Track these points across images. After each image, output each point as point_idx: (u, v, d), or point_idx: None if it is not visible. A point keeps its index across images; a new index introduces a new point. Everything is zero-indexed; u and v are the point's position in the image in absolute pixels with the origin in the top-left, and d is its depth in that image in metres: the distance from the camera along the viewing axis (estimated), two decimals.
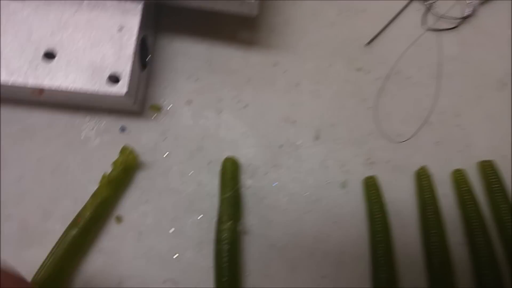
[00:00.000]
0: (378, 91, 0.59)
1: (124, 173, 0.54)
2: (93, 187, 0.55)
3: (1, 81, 0.50)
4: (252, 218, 0.54)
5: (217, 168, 0.57)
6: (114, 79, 0.51)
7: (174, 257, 0.54)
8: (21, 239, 0.54)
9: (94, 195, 0.52)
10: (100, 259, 0.53)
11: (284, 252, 0.53)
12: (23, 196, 0.55)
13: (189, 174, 0.56)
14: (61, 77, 0.51)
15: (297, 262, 0.52)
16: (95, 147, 0.58)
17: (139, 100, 0.57)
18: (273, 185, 0.57)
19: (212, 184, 0.56)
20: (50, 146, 0.57)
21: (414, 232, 0.54)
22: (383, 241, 0.50)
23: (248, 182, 0.55)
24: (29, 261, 0.52)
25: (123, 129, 0.57)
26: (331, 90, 0.60)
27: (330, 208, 0.54)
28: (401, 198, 0.55)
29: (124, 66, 0.51)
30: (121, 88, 0.51)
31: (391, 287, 0.49)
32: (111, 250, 0.54)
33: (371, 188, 0.53)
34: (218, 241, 0.51)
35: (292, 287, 0.52)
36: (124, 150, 0.54)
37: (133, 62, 0.52)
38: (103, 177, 0.52)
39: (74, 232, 0.52)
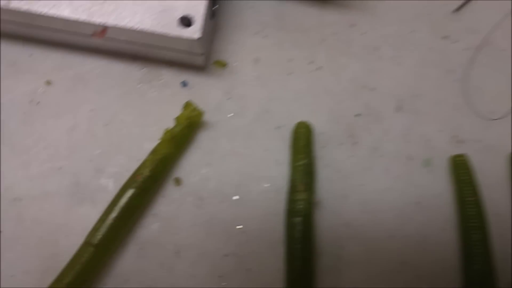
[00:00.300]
0: (467, 63, 0.52)
1: (188, 130, 0.49)
2: (149, 144, 0.49)
3: (65, 17, 0.43)
4: (324, 192, 0.48)
5: (286, 134, 0.51)
6: (186, 22, 0.44)
7: (238, 228, 0.48)
8: (73, 195, 0.49)
9: (154, 151, 0.47)
10: (155, 224, 0.48)
11: (360, 232, 0.48)
12: (75, 149, 0.50)
13: (255, 138, 0.51)
14: (127, 16, 0.46)
15: (374, 245, 0.47)
16: (153, 101, 0.52)
17: (205, 53, 0.50)
18: (348, 157, 0.50)
19: (280, 151, 0.50)
20: (104, 97, 0.52)
21: (508, 222, 0.47)
22: (477, 228, 0.44)
23: (320, 152, 0.48)
24: (81, 218, 0.48)
25: (184, 84, 0.51)
26: (413, 58, 0.54)
27: (412, 187, 0.48)
28: (492, 183, 0.49)
29: (198, 8, 0.45)
30: (194, 32, 0.45)
31: (486, 282, 0.41)
32: (168, 216, 0.48)
33: (461, 167, 0.46)
34: (291, 212, 0.45)
35: (372, 272, 0.47)
36: (188, 106, 0.48)
37: (208, 6, 0.45)
38: (166, 131, 0.47)
39: (131, 191, 0.46)
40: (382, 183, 0.50)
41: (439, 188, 0.50)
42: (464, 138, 0.50)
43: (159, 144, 0.48)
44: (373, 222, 0.48)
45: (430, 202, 0.49)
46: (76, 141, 0.51)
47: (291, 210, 0.46)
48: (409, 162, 0.50)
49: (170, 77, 0.53)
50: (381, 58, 0.54)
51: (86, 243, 0.45)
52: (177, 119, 0.49)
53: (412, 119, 0.52)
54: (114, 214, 0.45)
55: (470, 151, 0.50)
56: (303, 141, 0.48)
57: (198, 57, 0.49)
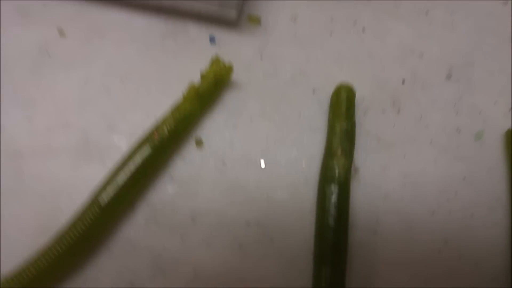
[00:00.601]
0: None
1: (214, 88, 0.50)
2: (169, 102, 0.51)
3: None
4: (363, 161, 0.50)
5: (323, 98, 0.53)
6: None
7: (262, 195, 0.49)
8: (80, 152, 0.51)
9: (176, 108, 0.49)
10: (171, 188, 0.50)
11: (399, 206, 0.49)
12: (87, 103, 0.52)
13: (288, 102, 0.52)
14: None
15: (414, 221, 0.48)
16: (177, 57, 0.54)
17: (238, 6, 0.52)
18: (391, 125, 0.52)
19: (315, 116, 0.52)
20: (122, 49, 0.54)
21: None
22: None
23: (360, 118, 0.51)
24: (87, 178, 0.49)
25: (213, 40, 0.54)
26: (468, 22, 0.56)
27: (460, 161, 0.50)
28: None
29: None
30: None
31: None
32: (186, 179, 0.50)
33: None
34: (326, 178, 0.47)
35: (409, 250, 0.48)
36: (216, 61, 0.50)
37: None
38: (190, 88, 0.49)
39: (147, 149, 0.48)
40: (427, 155, 0.51)
41: (490, 164, 0.51)
42: None
43: (182, 101, 0.49)
44: (414, 196, 0.49)
45: (478, 178, 0.50)
46: (88, 96, 0.53)
47: (327, 176, 0.47)
48: (457, 134, 0.52)
49: (197, 32, 0.55)
50: (432, 22, 0.56)
51: (93, 203, 0.46)
52: (204, 75, 0.50)
53: (463, 89, 0.53)
54: (126, 173, 0.46)
55: None
56: (344, 104, 0.50)
57: (230, 10, 0.52)
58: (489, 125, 0.51)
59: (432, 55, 0.53)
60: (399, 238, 0.48)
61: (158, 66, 0.53)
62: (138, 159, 0.47)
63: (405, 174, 0.49)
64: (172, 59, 0.53)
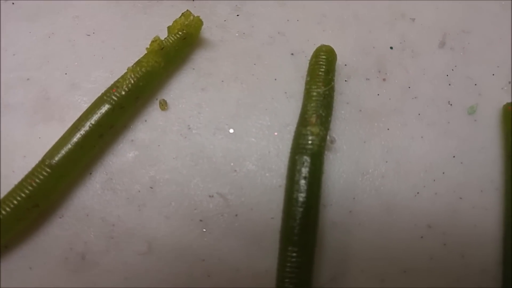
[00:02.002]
0: None
1: (182, 42, 0.40)
2: (136, 59, 0.40)
3: None
4: (341, 132, 0.39)
5: (301, 62, 0.43)
6: None
7: (229, 166, 0.39)
8: (39, 110, 0.41)
9: (138, 62, 0.39)
10: (131, 152, 0.40)
11: (379, 184, 0.39)
12: (49, 58, 0.43)
13: (264, 64, 0.42)
14: None
15: (395, 201, 0.38)
16: (148, 12, 0.44)
17: None
18: (375, 95, 0.42)
19: (292, 81, 0.42)
20: (91, 3, 0.45)
21: None
22: None
23: (341, 85, 0.38)
24: (44, 137, 0.40)
25: None
26: None
27: (450, 136, 0.39)
28: None
29: None
30: None
31: None
32: (147, 144, 0.40)
33: None
34: (298, 148, 0.36)
35: (388, 234, 0.37)
36: (186, 15, 0.40)
37: None
38: (154, 40, 0.38)
39: (104, 107, 0.38)
40: (413, 129, 0.41)
41: (483, 141, 0.40)
42: None
43: (144, 55, 0.40)
44: (397, 174, 0.39)
45: (469, 156, 0.40)
46: (51, 50, 0.43)
47: (298, 146, 0.37)
48: (448, 107, 0.41)
49: None
50: None
51: (42, 162, 0.37)
52: (170, 27, 0.40)
53: (458, 58, 0.43)
54: (80, 132, 0.37)
55: None
56: (323, 67, 0.39)
57: None
58: (485, 99, 0.40)
59: (424, 19, 0.42)
60: (377, 220, 0.38)
61: (128, 21, 0.44)
62: (94, 117, 0.38)
63: (388, 149, 0.38)
64: (142, 15, 0.43)
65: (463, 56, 0.42)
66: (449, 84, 0.41)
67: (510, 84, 0.41)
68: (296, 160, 0.36)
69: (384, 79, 0.41)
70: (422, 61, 0.42)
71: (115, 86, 0.38)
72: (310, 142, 0.35)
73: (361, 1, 0.43)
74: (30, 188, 0.36)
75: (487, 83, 0.41)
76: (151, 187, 0.39)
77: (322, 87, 0.37)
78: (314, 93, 0.37)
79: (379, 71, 0.41)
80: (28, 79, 0.42)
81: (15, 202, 0.35)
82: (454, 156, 0.39)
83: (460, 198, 0.38)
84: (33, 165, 0.37)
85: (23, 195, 0.35)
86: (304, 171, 0.35)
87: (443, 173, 0.39)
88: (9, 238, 0.36)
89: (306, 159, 0.35)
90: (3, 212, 0.35)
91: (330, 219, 0.37)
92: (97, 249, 0.37)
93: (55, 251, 0.37)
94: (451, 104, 0.40)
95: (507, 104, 0.39)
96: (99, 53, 0.43)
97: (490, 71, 0.41)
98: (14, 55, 0.43)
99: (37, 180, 0.36)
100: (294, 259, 0.35)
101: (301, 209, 0.35)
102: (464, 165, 0.39)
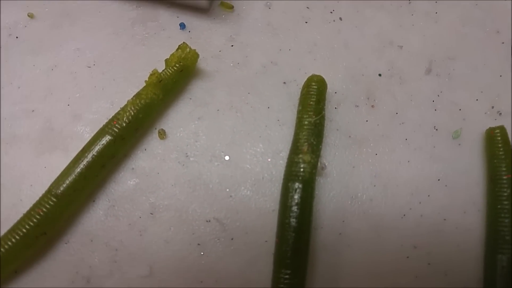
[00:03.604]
0: None
1: (179, 74, 0.44)
2: (136, 90, 0.44)
3: None
4: (331, 159, 0.43)
5: (294, 90, 0.46)
6: None
7: (225, 192, 0.43)
8: (44, 141, 0.45)
9: (137, 95, 0.43)
10: (132, 180, 0.44)
11: (367, 207, 0.43)
12: (52, 90, 0.47)
13: (258, 93, 0.46)
14: None
15: (383, 223, 0.42)
16: (146, 44, 0.48)
17: None
18: (364, 121, 0.46)
19: (284, 109, 0.46)
20: (92, 36, 0.48)
21: None
22: (510, 211, 0.37)
23: (331, 113, 0.43)
24: (49, 167, 0.44)
25: (183, 26, 0.47)
26: (453, 14, 0.48)
27: (436, 160, 0.43)
28: None
29: None
30: None
31: None
32: (147, 171, 0.44)
33: (498, 142, 0.40)
34: (290, 175, 0.41)
35: (376, 255, 0.42)
36: (183, 48, 0.43)
37: None
38: (152, 73, 0.42)
39: (106, 138, 0.42)
40: (400, 154, 0.44)
41: (467, 164, 0.44)
42: (504, 110, 0.45)
43: (144, 87, 0.44)
44: (384, 198, 0.43)
45: (454, 179, 0.44)
46: (54, 82, 0.47)
47: (291, 173, 0.41)
48: (434, 132, 0.45)
49: (167, 19, 0.49)
50: (414, 11, 0.49)
51: (48, 192, 0.41)
52: (168, 60, 0.44)
53: (444, 84, 0.46)
54: (83, 163, 0.42)
55: (510, 126, 0.44)
56: (314, 96, 0.43)
57: None
58: (469, 124, 0.44)
59: (412, 47, 0.46)
60: (366, 241, 0.42)
61: (127, 53, 0.48)
62: (96, 148, 0.42)
63: (376, 174, 0.42)
64: (141, 46, 0.47)
65: (448, 82, 0.46)
66: (435, 110, 0.45)
67: (493, 109, 0.45)
68: (288, 187, 0.40)
69: (372, 106, 0.45)
70: (409, 87, 0.46)
71: (115, 118, 0.42)
72: (302, 169, 0.40)
73: (351, 29, 0.47)
74: (37, 217, 0.40)
75: (471, 108, 0.45)
76: (151, 213, 0.42)
77: (313, 116, 0.41)
78: (306, 122, 0.41)
79: (368, 98, 0.45)
80: (33, 110, 0.46)
81: (24, 230, 0.39)
82: (439, 179, 0.43)
83: (444, 219, 0.42)
84: (39, 193, 0.41)
85: (31, 223, 0.40)
86: (296, 197, 0.39)
87: (428, 195, 0.42)
88: (19, 264, 0.40)
89: (298, 185, 0.40)
90: (13, 240, 0.39)
91: (321, 241, 0.41)
92: (102, 273, 0.41)
93: (62, 275, 0.41)
94: (436, 129, 0.44)
95: (490, 128, 0.43)
96: (100, 84, 0.46)
97: (474, 96, 0.45)
98: (19, 87, 0.47)
99: (44, 209, 0.40)
100: (287, 281, 0.39)
101: (293, 234, 0.39)
102: (448, 188, 0.43)
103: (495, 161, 0.41)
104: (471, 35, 0.46)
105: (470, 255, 0.41)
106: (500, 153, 0.40)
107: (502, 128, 0.41)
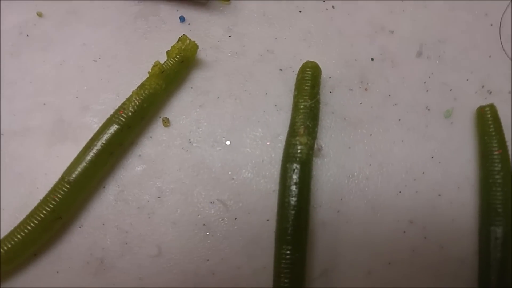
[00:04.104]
0: (507, 6, 0.47)
1: (180, 65, 0.46)
2: (140, 81, 0.47)
3: None
4: (328, 140, 0.45)
5: (289, 77, 0.49)
6: None
7: (227, 174, 0.46)
8: (55, 132, 0.48)
9: (141, 85, 0.45)
10: (139, 166, 0.47)
11: (364, 186, 0.45)
12: (61, 84, 0.49)
13: (255, 81, 0.48)
14: None
15: (379, 200, 0.44)
16: (148, 37, 0.50)
17: None
18: (358, 104, 0.48)
19: (281, 95, 0.48)
20: (97, 32, 0.51)
21: None
22: (502, 185, 0.39)
23: (326, 97, 0.45)
24: (61, 156, 0.47)
25: (182, 19, 0.49)
26: None
27: (428, 140, 0.45)
28: None
29: None
30: None
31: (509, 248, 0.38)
32: (153, 158, 0.47)
33: (488, 119, 0.42)
34: (288, 157, 0.43)
35: (374, 230, 0.44)
36: (183, 39, 0.46)
37: None
38: (155, 64, 0.44)
39: (113, 127, 0.45)
40: (394, 134, 0.47)
41: (459, 142, 0.46)
42: (494, 89, 0.47)
43: (147, 78, 0.46)
44: (380, 176, 0.45)
45: (447, 157, 0.46)
46: (63, 76, 0.50)
47: (289, 155, 0.43)
48: (426, 112, 0.47)
49: (167, 13, 0.51)
50: None
51: (62, 180, 0.44)
52: (169, 52, 0.46)
53: (434, 66, 0.48)
54: (93, 151, 0.44)
55: (500, 104, 0.46)
56: (309, 81, 0.45)
57: None
58: (460, 103, 0.46)
59: (403, 32, 0.48)
60: (363, 218, 0.45)
61: (131, 46, 0.50)
62: (104, 137, 0.45)
63: (371, 153, 0.45)
64: (143, 40, 0.50)
65: (439, 64, 0.48)
66: (427, 91, 0.47)
67: (483, 88, 0.47)
68: (287, 168, 0.43)
69: (366, 89, 0.47)
70: (401, 70, 0.48)
71: (122, 108, 0.45)
72: (299, 151, 0.42)
73: (343, 17, 0.49)
74: (53, 203, 0.43)
75: (462, 88, 0.47)
76: (158, 197, 0.45)
77: (309, 100, 0.44)
78: (302, 106, 0.44)
79: (361, 82, 0.48)
80: (44, 104, 0.49)
81: (42, 215, 0.42)
82: (432, 157, 0.45)
83: (439, 195, 0.44)
84: (53, 181, 0.43)
85: (48, 209, 0.42)
86: (295, 177, 0.42)
87: (423, 173, 0.45)
88: (37, 247, 0.43)
89: (296, 166, 0.42)
90: (32, 224, 0.42)
91: (320, 219, 0.44)
92: (114, 254, 0.44)
93: (77, 256, 0.44)
94: (428, 109, 0.47)
95: (480, 107, 0.45)
96: (106, 77, 0.49)
97: (464, 77, 0.47)
98: (31, 82, 0.49)
99: (59, 195, 0.43)
100: (288, 257, 0.41)
101: (293, 212, 0.41)
102: (442, 165, 0.45)
103: (486, 137, 0.42)
104: (460, 18, 0.48)
105: (465, 228, 0.43)
106: (491, 130, 0.42)
107: (492, 106, 0.43)
